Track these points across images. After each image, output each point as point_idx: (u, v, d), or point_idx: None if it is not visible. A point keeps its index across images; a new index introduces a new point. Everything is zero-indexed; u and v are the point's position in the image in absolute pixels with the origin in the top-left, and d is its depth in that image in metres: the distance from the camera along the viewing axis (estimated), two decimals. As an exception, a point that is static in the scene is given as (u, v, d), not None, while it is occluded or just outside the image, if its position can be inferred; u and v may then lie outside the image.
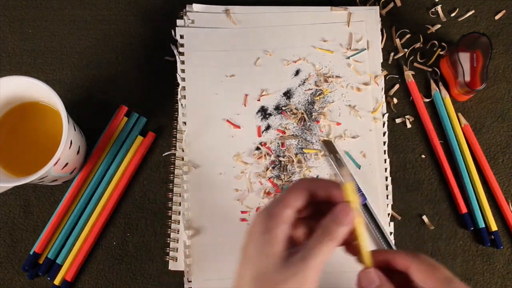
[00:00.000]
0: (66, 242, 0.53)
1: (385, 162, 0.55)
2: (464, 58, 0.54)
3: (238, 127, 0.55)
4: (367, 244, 0.34)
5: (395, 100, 0.56)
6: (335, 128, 0.55)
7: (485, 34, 0.54)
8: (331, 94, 0.56)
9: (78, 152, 0.51)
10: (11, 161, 0.50)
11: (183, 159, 0.54)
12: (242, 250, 0.35)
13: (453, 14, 0.59)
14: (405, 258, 0.34)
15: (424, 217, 0.54)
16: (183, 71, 0.56)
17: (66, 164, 0.49)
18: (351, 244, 0.35)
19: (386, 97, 0.57)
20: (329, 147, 0.54)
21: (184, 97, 0.55)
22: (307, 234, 0.36)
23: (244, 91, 0.56)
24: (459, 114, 0.56)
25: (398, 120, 0.56)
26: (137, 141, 0.55)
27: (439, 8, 0.59)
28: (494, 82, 0.58)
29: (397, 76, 0.58)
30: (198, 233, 0.53)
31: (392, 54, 0.58)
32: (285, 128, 0.55)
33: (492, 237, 0.53)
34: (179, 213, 0.53)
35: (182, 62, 0.56)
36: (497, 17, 0.59)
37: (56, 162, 0.46)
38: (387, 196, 0.54)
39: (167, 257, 0.53)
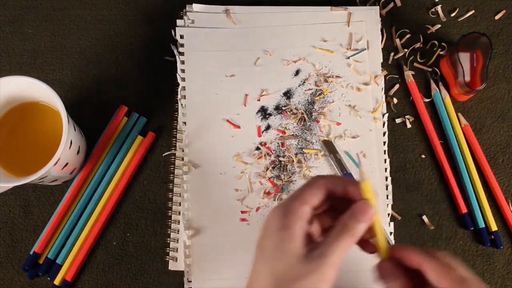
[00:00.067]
0: (66, 242, 0.53)
1: (385, 162, 0.55)
2: (464, 58, 0.54)
3: (238, 127, 0.55)
4: (384, 237, 0.34)
5: (395, 100, 0.57)
6: (335, 128, 0.55)
7: (485, 34, 0.54)
8: (331, 94, 0.56)
9: (78, 152, 0.51)
10: (11, 161, 0.50)
11: (183, 159, 0.54)
12: (257, 246, 0.35)
13: (453, 14, 0.59)
14: (418, 256, 0.34)
15: (424, 217, 0.54)
16: (183, 71, 0.56)
17: (66, 164, 0.49)
18: (366, 241, 0.35)
19: (386, 97, 0.57)
20: (329, 147, 0.54)
21: (184, 97, 0.55)
22: (322, 230, 0.36)
23: (244, 91, 0.56)
24: (459, 114, 0.56)
25: (398, 120, 0.56)
26: (137, 141, 0.55)
27: (439, 8, 0.59)
28: (494, 82, 0.58)
29: (397, 76, 0.58)
30: (198, 233, 0.53)
31: (392, 54, 0.58)
32: (285, 128, 0.55)
33: (492, 237, 0.53)
34: (179, 213, 0.53)
35: (182, 62, 0.56)
36: (497, 17, 0.59)
37: (56, 162, 0.46)
38: (387, 196, 0.54)
39: (167, 257, 0.53)
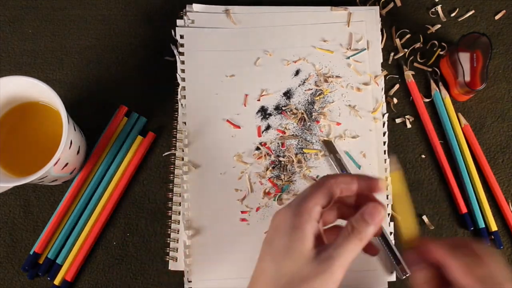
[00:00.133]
0: (66, 242, 0.53)
1: (385, 162, 0.55)
2: (464, 58, 0.54)
3: (238, 127, 0.55)
4: (410, 226, 0.34)
5: (395, 100, 0.57)
6: (335, 128, 0.55)
7: (485, 34, 0.54)
8: (331, 94, 0.56)
9: (78, 152, 0.51)
10: (11, 161, 0.50)
11: (183, 159, 0.54)
12: (266, 244, 0.35)
13: (453, 14, 0.59)
14: (442, 250, 0.33)
15: (424, 217, 0.54)
16: (183, 71, 0.56)
17: (66, 164, 0.49)
18: (369, 244, 0.35)
19: (386, 97, 0.57)
20: (329, 147, 0.54)
21: (184, 97, 0.55)
22: (324, 224, 0.36)
23: (244, 91, 0.56)
24: (459, 114, 0.56)
25: (398, 120, 0.56)
26: (137, 141, 0.55)
27: (439, 8, 0.59)
28: (494, 82, 0.58)
29: (397, 76, 0.58)
30: (198, 233, 0.53)
31: (392, 54, 0.58)
32: (285, 128, 0.55)
33: (492, 237, 0.53)
34: (179, 213, 0.53)
35: (182, 62, 0.56)
36: (497, 17, 0.59)
37: (56, 162, 0.46)
38: (387, 196, 0.54)
39: (167, 257, 0.53)
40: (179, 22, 0.57)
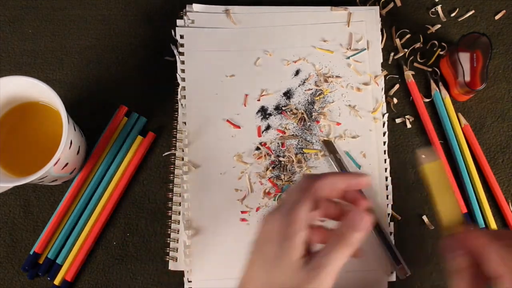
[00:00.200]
0: (66, 242, 0.53)
1: (385, 162, 0.55)
2: (464, 58, 0.54)
3: (238, 127, 0.55)
4: (452, 212, 0.33)
5: (395, 100, 0.56)
6: (335, 128, 0.55)
7: (485, 34, 0.54)
8: (331, 94, 0.56)
9: (78, 152, 0.51)
10: (11, 161, 0.50)
11: (183, 159, 0.54)
12: (255, 250, 0.35)
13: (453, 14, 0.59)
14: (482, 238, 0.32)
15: (424, 217, 0.54)
16: (183, 71, 0.56)
17: (66, 164, 0.49)
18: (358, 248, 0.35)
19: (386, 97, 0.57)
20: (329, 147, 0.54)
21: (184, 97, 0.55)
22: (315, 228, 0.36)
23: (244, 91, 0.56)
24: (459, 114, 0.56)
25: (398, 120, 0.56)
26: (137, 141, 0.55)
27: (439, 8, 0.59)
28: (494, 82, 0.58)
29: (397, 76, 0.58)
30: (198, 233, 0.53)
31: (392, 54, 0.58)
32: (285, 128, 0.55)
33: (492, 237, 0.53)
34: (179, 213, 0.53)
35: (182, 62, 0.56)
36: (497, 17, 0.59)
37: (56, 162, 0.46)
38: (387, 196, 0.54)
39: (167, 257, 0.53)
40: (179, 22, 0.57)
